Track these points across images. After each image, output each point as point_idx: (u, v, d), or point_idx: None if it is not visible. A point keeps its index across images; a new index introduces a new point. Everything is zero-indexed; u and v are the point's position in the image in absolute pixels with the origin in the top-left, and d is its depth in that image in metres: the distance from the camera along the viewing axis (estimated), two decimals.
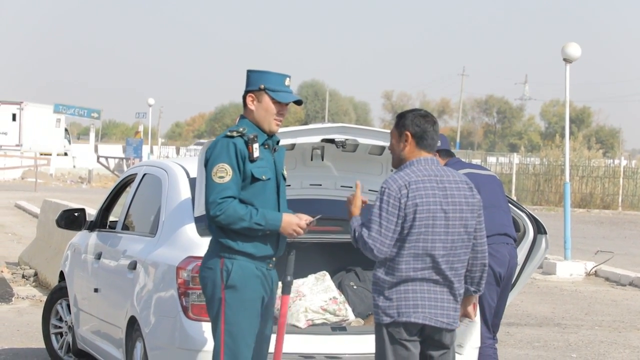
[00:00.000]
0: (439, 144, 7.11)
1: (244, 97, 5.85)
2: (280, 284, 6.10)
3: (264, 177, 5.73)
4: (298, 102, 5.84)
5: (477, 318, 6.43)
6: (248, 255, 5.68)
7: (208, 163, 5.70)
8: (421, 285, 5.38)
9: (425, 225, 5.36)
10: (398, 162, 5.57)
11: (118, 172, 51.78)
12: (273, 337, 5.94)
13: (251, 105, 5.81)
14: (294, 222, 5.74)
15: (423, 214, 5.36)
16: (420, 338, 5.44)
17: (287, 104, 5.81)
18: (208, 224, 5.81)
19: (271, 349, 5.96)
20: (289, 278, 5.97)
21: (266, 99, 5.79)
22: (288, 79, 5.85)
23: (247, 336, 5.67)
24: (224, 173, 5.62)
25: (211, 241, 5.81)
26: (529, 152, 59.30)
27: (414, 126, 5.51)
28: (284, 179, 5.92)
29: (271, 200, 5.79)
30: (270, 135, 5.84)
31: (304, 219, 5.82)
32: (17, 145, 51.64)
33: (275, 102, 5.79)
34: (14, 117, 51.29)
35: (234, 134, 5.69)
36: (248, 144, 5.68)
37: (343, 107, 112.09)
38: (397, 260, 5.37)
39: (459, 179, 5.52)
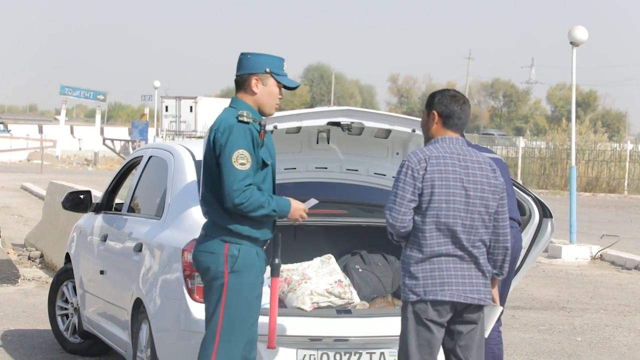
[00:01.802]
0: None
1: (246, 80, 5.79)
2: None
3: (269, 162, 5.76)
4: (296, 87, 5.91)
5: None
6: (253, 240, 5.69)
7: (225, 148, 5.61)
8: (447, 262, 5.44)
9: (445, 200, 5.44)
10: (426, 140, 5.70)
11: (124, 154, 51.90)
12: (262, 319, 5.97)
13: (255, 88, 5.78)
14: (300, 208, 5.81)
15: (442, 189, 5.44)
16: (449, 316, 5.49)
17: (282, 88, 5.83)
18: (207, 209, 5.75)
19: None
20: (277, 260, 5.96)
21: (271, 82, 5.79)
22: (285, 63, 5.87)
23: (244, 321, 5.67)
24: (245, 160, 5.59)
25: (209, 225, 5.76)
26: (534, 135, 59.21)
27: (440, 106, 5.62)
28: None
29: (270, 184, 5.82)
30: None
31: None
32: (193, 131, 59.38)
33: (278, 85, 5.79)
34: (191, 109, 61.04)
35: (246, 119, 5.65)
36: (260, 130, 5.69)
37: (349, 90, 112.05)
38: (422, 236, 5.44)
39: (482, 159, 5.61)
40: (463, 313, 5.52)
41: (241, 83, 5.82)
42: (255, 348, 5.83)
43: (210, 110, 58.08)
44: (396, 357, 6.31)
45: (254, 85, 5.79)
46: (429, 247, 5.44)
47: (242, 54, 5.85)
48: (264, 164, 5.72)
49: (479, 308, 5.56)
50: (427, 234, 5.44)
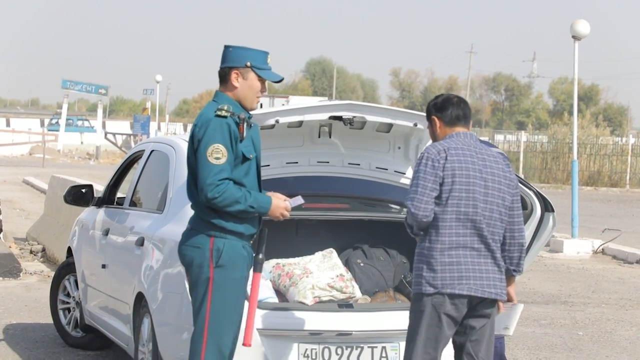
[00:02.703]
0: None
1: (227, 73, 5.74)
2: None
3: (251, 155, 5.68)
4: (280, 80, 5.83)
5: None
6: (238, 235, 5.65)
7: (201, 143, 5.57)
8: (465, 256, 5.45)
9: (465, 190, 5.47)
10: None
11: (125, 148, 51.94)
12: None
13: (235, 82, 5.72)
14: (282, 206, 5.71)
15: (462, 178, 5.47)
16: (466, 311, 5.50)
17: (265, 81, 5.76)
18: (194, 203, 5.74)
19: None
20: (260, 256, 5.85)
21: (252, 76, 5.72)
22: (269, 56, 5.81)
23: (232, 315, 5.64)
24: (220, 154, 5.53)
25: (194, 220, 5.73)
26: (536, 129, 59.21)
27: (435, 108, 5.72)
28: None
29: (254, 179, 5.75)
30: (248, 112, 5.79)
31: (282, 198, 5.78)
32: None
33: (260, 79, 5.75)
34: (282, 105, 69.49)
35: (224, 113, 5.59)
36: (239, 124, 5.62)
37: (351, 84, 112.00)
38: (441, 226, 5.45)
39: (497, 153, 5.68)
40: (477, 307, 5.52)
41: (222, 77, 5.77)
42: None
43: None
44: (397, 352, 6.32)
45: (233, 79, 5.72)
46: (447, 236, 5.45)
47: (225, 47, 5.79)
48: (245, 158, 5.65)
49: (493, 303, 5.57)
50: (447, 224, 5.45)
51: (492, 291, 5.50)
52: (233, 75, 5.73)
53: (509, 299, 5.77)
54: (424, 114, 6.89)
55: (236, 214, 5.59)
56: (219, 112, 5.60)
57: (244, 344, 5.78)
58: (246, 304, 5.83)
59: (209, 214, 5.63)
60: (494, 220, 5.52)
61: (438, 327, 5.46)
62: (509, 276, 5.68)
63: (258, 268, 5.85)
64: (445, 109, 5.69)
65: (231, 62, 5.74)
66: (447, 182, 5.46)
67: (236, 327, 5.69)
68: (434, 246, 5.46)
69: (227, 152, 5.56)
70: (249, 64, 5.71)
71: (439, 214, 5.46)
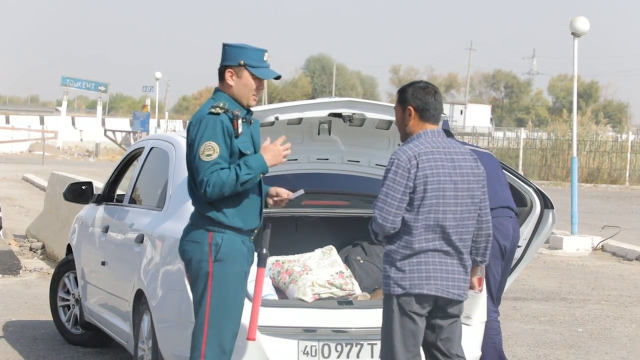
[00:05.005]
0: (444, 115, 7.14)
1: (222, 72, 5.77)
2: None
3: (248, 152, 5.69)
4: (277, 77, 5.83)
5: (484, 290, 6.46)
6: (237, 230, 5.66)
7: (194, 142, 5.60)
8: (433, 257, 5.42)
9: (436, 196, 5.40)
10: (404, 137, 5.61)
11: (125, 145, 51.96)
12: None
13: (230, 81, 5.74)
14: (275, 150, 5.69)
15: (434, 185, 5.39)
16: (430, 309, 5.49)
17: (263, 79, 5.77)
18: (193, 199, 5.75)
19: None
20: (264, 251, 5.87)
21: (246, 74, 5.74)
22: (266, 54, 5.80)
23: (232, 310, 5.65)
24: (211, 151, 5.55)
25: (194, 215, 5.76)
26: (536, 126, 59.19)
27: (415, 100, 5.53)
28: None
29: None
30: (247, 109, 5.80)
31: (284, 193, 5.81)
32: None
33: (255, 77, 5.75)
34: (461, 112, 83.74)
35: (218, 110, 5.61)
36: (233, 120, 5.63)
37: (350, 82, 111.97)
38: (411, 233, 5.40)
39: (464, 150, 5.58)
40: (444, 307, 5.51)
41: (219, 75, 5.81)
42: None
43: (478, 115, 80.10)
44: None
45: (228, 78, 5.75)
46: (417, 243, 5.40)
47: (223, 45, 5.82)
48: (242, 154, 5.64)
49: (459, 302, 5.57)
50: (416, 231, 5.39)
51: (456, 292, 5.48)
52: (228, 74, 5.75)
53: (472, 287, 5.77)
54: None
55: (246, 188, 5.57)
56: (212, 110, 5.62)
57: (248, 338, 5.81)
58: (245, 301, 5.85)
59: (208, 209, 5.64)
60: (464, 221, 5.48)
61: (413, 323, 5.45)
62: (474, 266, 5.68)
63: (262, 263, 5.87)
64: (426, 102, 5.52)
65: (226, 61, 5.77)
66: (419, 190, 5.38)
67: (236, 323, 5.69)
68: (403, 250, 5.41)
69: (220, 148, 5.57)
70: (242, 62, 5.73)
71: (409, 220, 5.39)
